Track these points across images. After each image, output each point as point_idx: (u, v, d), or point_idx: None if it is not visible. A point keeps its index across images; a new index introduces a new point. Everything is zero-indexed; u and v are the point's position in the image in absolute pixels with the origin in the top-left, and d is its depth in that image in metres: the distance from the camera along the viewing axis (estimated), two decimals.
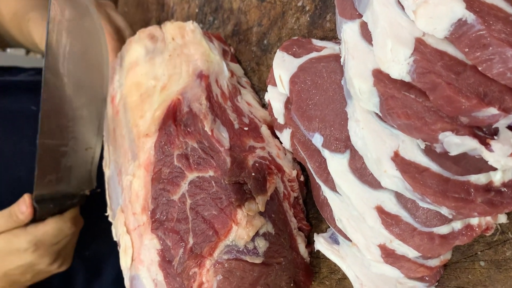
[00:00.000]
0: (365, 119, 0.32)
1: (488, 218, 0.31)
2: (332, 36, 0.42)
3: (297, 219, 0.45)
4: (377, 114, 0.31)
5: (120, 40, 0.63)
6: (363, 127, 0.32)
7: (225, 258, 0.38)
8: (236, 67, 0.51)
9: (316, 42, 0.41)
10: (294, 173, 0.45)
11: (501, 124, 0.27)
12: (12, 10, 0.79)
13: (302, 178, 0.46)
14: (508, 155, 0.27)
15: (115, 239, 0.50)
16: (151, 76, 0.47)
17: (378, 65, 0.30)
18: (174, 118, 0.44)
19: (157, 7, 0.70)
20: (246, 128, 0.45)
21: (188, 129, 0.44)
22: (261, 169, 0.42)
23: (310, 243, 0.44)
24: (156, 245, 0.42)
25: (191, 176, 0.42)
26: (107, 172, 0.53)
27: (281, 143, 0.44)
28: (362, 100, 0.31)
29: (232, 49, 0.52)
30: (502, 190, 0.29)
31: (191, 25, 0.48)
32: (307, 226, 0.45)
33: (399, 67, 0.28)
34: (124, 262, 0.45)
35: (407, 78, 0.28)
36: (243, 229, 0.38)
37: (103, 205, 0.55)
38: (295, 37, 0.42)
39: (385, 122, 0.31)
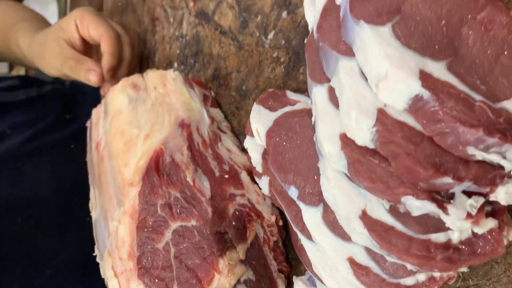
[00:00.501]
0: (335, 178, 0.34)
1: None
2: (305, 88, 0.44)
3: (277, 262, 0.47)
4: (346, 174, 0.34)
5: (119, 45, 0.65)
6: (333, 186, 0.34)
7: None
8: (216, 111, 0.53)
9: (290, 95, 0.43)
10: (273, 218, 0.47)
11: (456, 189, 0.30)
12: (1, 23, 0.79)
13: (281, 223, 0.48)
14: (463, 218, 0.29)
15: (103, 277, 0.51)
16: (134, 124, 0.49)
17: (344, 130, 0.32)
18: (157, 169, 0.46)
19: (139, 43, 0.72)
20: (226, 176, 0.47)
21: (171, 179, 0.45)
22: (241, 217, 0.44)
23: (290, 283, 0.46)
24: None
25: (174, 225, 0.44)
26: (93, 214, 0.54)
27: (260, 188, 0.46)
28: (331, 161, 0.34)
29: (212, 93, 0.54)
30: (460, 247, 0.31)
31: (172, 74, 0.50)
32: (287, 267, 0.47)
33: (363, 135, 0.31)
34: None
35: (371, 146, 0.31)
36: (225, 278, 0.40)
37: None
38: (271, 89, 0.44)
39: (353, 181, 0.33)
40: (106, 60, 0.61)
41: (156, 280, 0.43)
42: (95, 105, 0.81)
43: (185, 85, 0.50)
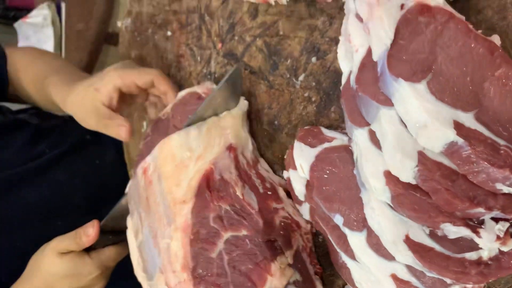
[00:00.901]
0: (379, 208, 0.40)
1: None
2: (337, 125, 0.50)
3: (312, 265, 0.53)
4: (389, 204, 0.40)
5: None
6: (378, 214, 0.40)
7: None
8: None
9: (326, 132, 0.49)
10: (308, 227, 0.53)
11: (486, 217, 0.36)
12: (31, 75, 0.86)
13: (314, 230, 0.54)
14: (494, 240, 0.36)
15: None
16: (185, 148, 0.54)
17: (388, 168, 0.39)
18: (208, 185, 0.52)
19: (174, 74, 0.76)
20: (269, 192, 0.53)
21: (221, 194, 0.51)
22: (286, 227, 0.51)
23: (324, 284, 0.52)
24: None
25: (226, 235, 0.50)
26: (139, 236, 0.59)
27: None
28: (376, 194, 0.40)
29: None
30: (490, 263, 0.38)
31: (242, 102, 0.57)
32: (320, 269, 0.53)
33: (407, 174, 0.37)
34: None
35: (413, 182, 0.37)
36: (277, 280, 0.46)
37: None
38: (307, 127, 0.50)
39: (396, 211, 0.40)
40: (171, 96, 0.66)
41: (212, 287, 0.48)
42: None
43: (244, 114, 0.56)
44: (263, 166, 0.56)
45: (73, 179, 0.85)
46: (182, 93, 0.66)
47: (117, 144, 0.95)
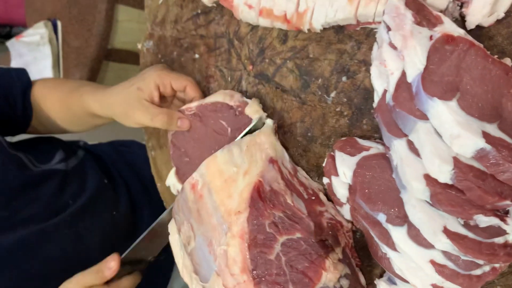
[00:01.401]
0: (420, 205, 0.48)
1: None
2: (370, 135, 0.58)
3: (353, 259, 0.61)
4: (427, 202, 0.48)
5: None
6: (419, 211, 0.48)
7: None
8: None
9: (362, 142, 0.57)
10: (349, 225, 0.61)
11: (511, 208, 0.45)
12: (56, 97, 0.90)
13: (354, 228, 0.62)
14: None
15: None
16: (231, 164, 0.61)
17: (428, 172, 0.47)
18: (260, 196, 0.58)
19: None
20: (313, 197, 0.60)
21: (273, 203, 0.58)
22: (332, 227, 0.58)
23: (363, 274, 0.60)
24: None
25: (281, 239, 0.57)
26: (191, 244, 0.66)
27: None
28: (417, 193, 0.48)
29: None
30: None
31: (268, 121, 0.64)
32: (360, 262, 0.61)
33: (444, 176, 0.45)
34: None
35: (450, 182, 0.45)
36: (332, 274, 0.54)
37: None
38: (344, 138, 0.58)
39: (434, 207, 0.48)
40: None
41: (273, 285, 0.55)
42: (122, 168, 0.96)
43: (273, 131, 0.64)
44: (302, 174, 0.64)
45: (93, 232, 0.89)
46: (212, 99, 0.74)
47: (128, 190, 1.01)
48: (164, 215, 0.77)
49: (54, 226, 0.84)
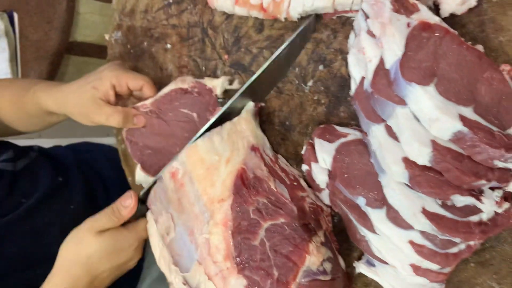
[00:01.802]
0: (399, 188, 0.50)
1: None
2: (347, 122, 0.59)
3: (332, 242, 0.62)
4: (406, 184, 0.50)
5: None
6: (398, 193, 0.50)
7: (304, 280, 0.54)
8: None
9: (339, 129, 0.58)
10: (329, 210, 0.62)
11: (485, 187, 0.47)
12: (7, 97, 0.86)
13: (333, 212, 0.63)
14: (493, 204, 0.46)
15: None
16: (213, 152, 0.61)
17: (406, 155, 0.48)
18: (244, 183, 0.58)
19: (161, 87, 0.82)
20: (295, 183, 0.61)
21: (257, 189, 0.58)
22: (315, 212, 0.59)
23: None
24: (243, 282, 0.56)
25: (266, 224, 0.57)
26: (171, 234, 0.65)
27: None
28: (396, 176, 0.49)
29: None
30: (488, 223, 0.48)
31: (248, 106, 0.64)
32: (338, 246, 0.62)
33: (423, 158, 0.47)
34: None
35: (428, 164, 0.47)
36: (315, 257, 0.55)
37: None
38: (322, 126, 0.59)
39: (413, 189, 0.49)
40: None
41: (257, 271, 0.56)
42: (79, 168, 0.94)
43: (254, 115, 0.64)
44: (283, 161, 0.65)
45: (51, 227, 0.86)
46: (165, 90, 0.74)
47: (85, 186, 0.98)
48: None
49: (9, 223, 0.81)
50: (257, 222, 0.56)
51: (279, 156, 0.66)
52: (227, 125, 0.64)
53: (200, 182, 0.61)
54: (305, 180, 0.63)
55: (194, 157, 0.62)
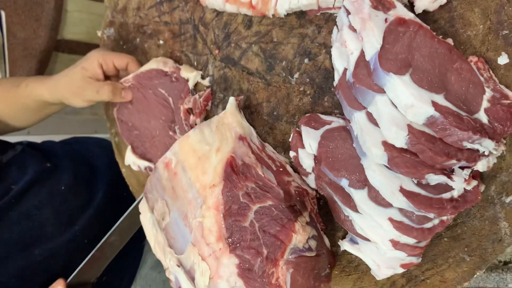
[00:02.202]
0: (379, 169, 0.55)
1: None
2: (331, 111, 0.64)
3: (318, 223, 0.66)
4: (385, 165, 0.54)
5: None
6: (378, 174, 0.54)
7: (291, 257, 0.59)
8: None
9: (324, 117, 0.63)
10: (314, 193, 0.67)
11: (456, 166, 0.52)
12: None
13: (318, 195, 0.67)
14: (463, 182, 0.51)
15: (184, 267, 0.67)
16: (204, 143, 0.66)
17: (385, 139, 0.53)
18: (234, 170, 0.63)
19: None
20: (281, 169, 0.65)
21: (246, 175, 0.63)
22: (299, 194, 0.64)
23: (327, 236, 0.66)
24: (235, 261, 0.61)
25: (255, 207, 0.61)
26: (166, 219, 0.69)
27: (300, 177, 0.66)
28: (376, 159, 0.54)
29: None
30: (459, 199, 0.53)
31: (230, 100, 0.68)
32: (324, 226, 0.67)
33: (400, 141, 0.52)
34: (202, 282, 0.63)
35: (405, 146, 0.52)
36: (301, 235, 0.59)
37: None
38: (308, 114, 0.64)
39: (391, 170, 0.54)
40: None
41: (248, 250, 0.60)
42: (69, 155, 0.98)
43: (237, 108, 0.68)
44: (269, 149, 0.69)
45: (42, 209, 0.90)
46: (146, 67, 0.81)
47: (74, 168, 1.01)
48: (111, 231, 0.81)
49: (1, 209, 0.84)
50: (246, 205, 0.61)
51: (266, 144, 0.70)
52: (215, 118, 0.69)
53: (193, 170, 0.65)
54: (292, 166, 0.68)
55: (186, 147, 0.67)
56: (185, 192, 0.66)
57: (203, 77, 0.77)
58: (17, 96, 0.87)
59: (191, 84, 0.77)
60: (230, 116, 0.69)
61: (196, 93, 0.77)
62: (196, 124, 0.78)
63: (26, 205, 0.88)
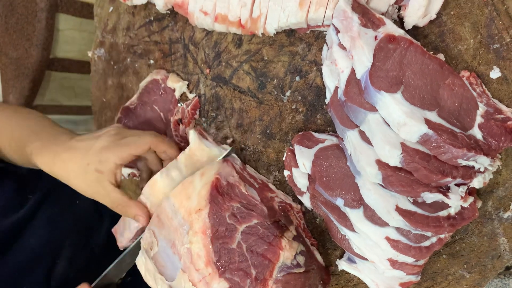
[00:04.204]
0: (373, 188, 0.54)
1: None
2: (324, 129, 0.63)
3: (308, 239, 0.66)
4: (380, 184, 0.54)
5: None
6: (373, 193, 0.54)
7: (280, 275, 0.59)
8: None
9: (317, 135, 0.62)
10: (299, 207, 0.66)
11: (451, 184, 0.51)
12: (9, 138, 0.83)
13: (303, 209, 0.67)
14: (459, 199, 0.51)
15: None
16: (173, 186, 0.68)
17: (379, 157, 0.52)
18: (219, 191, 0.62)
19: None
20: (263, 186, 0.65)
21: (230, 195, 0.62)
22: (284, 209, 0.63)
23: (323, 255, 0.65)
24: (225, 285, 0.60)
25: (241, 227, 0.61)
26: (154, 249, 0.68)
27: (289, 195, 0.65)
28: (371, 177, 0.53)
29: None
30: (456, 217, 0.53)
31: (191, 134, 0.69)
32: (316, 242, 0.66)
33: (394, 160, 0.51)
34: None
35: (399, 165, 0.51)
36: (288, 251, 0.59)
37: None
38: (301, 133, 0.63)
39: (386, 188, 0.53)
40: (171, 152, 0.74)
41: (237, 272, 0.59)
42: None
43: (202, 140, 0.69)
44: (250, 169, 0.70)
45: (64, 217, 0.87)
46: (144, 83, 0.81)
47: None
48: (133, 245, 0.78)
49: (24, 217, 0.82)
50: (233, 227, 0.60)
51: (247, 165, 0.71)
52: (181, 157, 0.69)
53: (176, 197, 0.64)
54: (274, 184, 0.68)
55: (156, 192, 0.67)
56: (170, 219, 0.65)
57: (189, 87, 0.78)
58: (22, 154, 0.80)
59: (177, 94, 0.78)
60: (197, 151, 0.69)
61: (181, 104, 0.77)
62: (186, 134, 0.77)
63: (48, 211, 0.86)
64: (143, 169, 0.79)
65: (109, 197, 0.70)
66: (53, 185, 0.90)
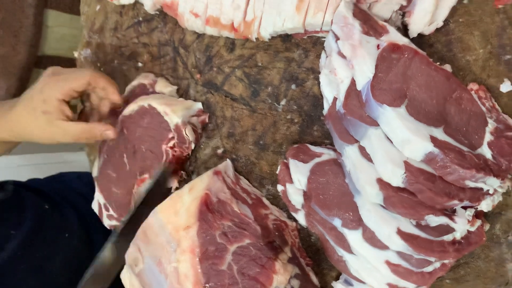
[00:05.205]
0: (374, 209, 0.50)
1: None
2: (321, 141, 0.59)
3: (302, 259, 0.62)
4: (381, 205, 0.50)
5: None
6: (374, 215, 0.50)
7: None
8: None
9: (313, 149, 0.58)
10: (294, 224, 0.62)
11: (458, 207, 0.47)
12: None
13: (299, 227, 0.63)
14: (466, 223, 0.47)
15: None
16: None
17: (380, 176, 0.48)
18: (209, 208, 0.58)
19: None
20: (257, 202, 0.61)
21: (221, 213, 0.58)
22: (278, 228, 0.59)
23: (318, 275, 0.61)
24: None
25: (232, 248, 0.57)
26: (139, 266, 0.64)
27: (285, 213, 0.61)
28: (371, 197, 0.49)
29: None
30: (462, 241, 0.49)
31: None
32: (311, 261, 0.62)
33: (397, 179, 0.47)
34: None
35: (402, 185, 0.47)
36: (282, 276, 0.55)
37: None
38: (296, 145, 0.59)
39: (388, 209, 0.50)
40: (111, 90, 0.70)
41: None
42: (63, 196, 0.90)
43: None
44: (244, 182, 0.65)
45: (51, 260, 0.83)
46: (130, 87, 0.77)
47: (76, 211, 0.94)
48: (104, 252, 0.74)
49: (6, 262, 0.77)
50: (224, 247, 0.56)
51: (241, 177, 0.66)
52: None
53: (163, 212, 0.60)
54: (268, 199, 0.64)
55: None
56: (157, 235, 0.61)
57: (178, 91, 0.73)
58: None
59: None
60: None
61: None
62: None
63: (33, 257, 0.81)
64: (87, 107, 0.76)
65: (67, 133, 0.67)
66: (38, 218, 0.85)
